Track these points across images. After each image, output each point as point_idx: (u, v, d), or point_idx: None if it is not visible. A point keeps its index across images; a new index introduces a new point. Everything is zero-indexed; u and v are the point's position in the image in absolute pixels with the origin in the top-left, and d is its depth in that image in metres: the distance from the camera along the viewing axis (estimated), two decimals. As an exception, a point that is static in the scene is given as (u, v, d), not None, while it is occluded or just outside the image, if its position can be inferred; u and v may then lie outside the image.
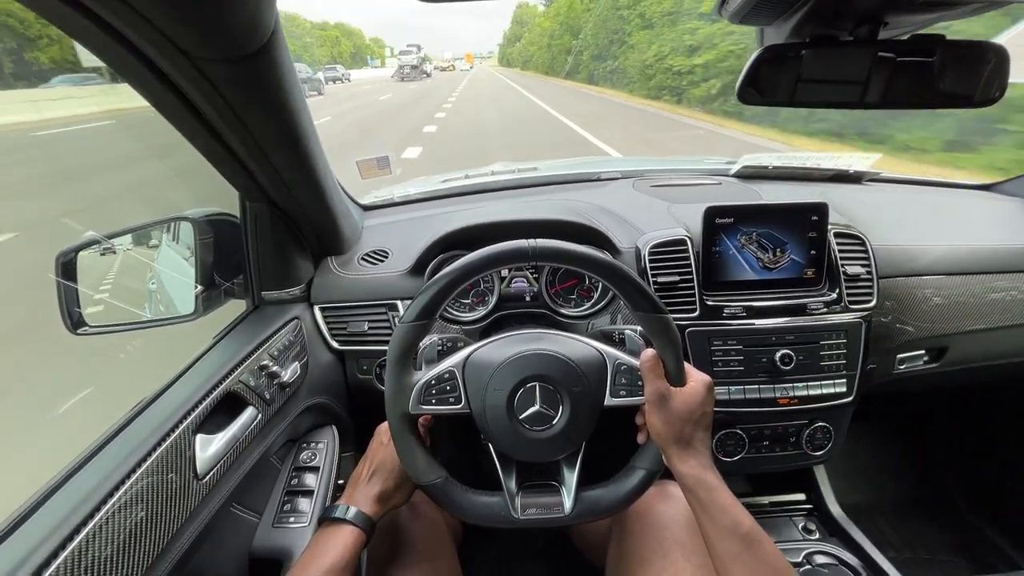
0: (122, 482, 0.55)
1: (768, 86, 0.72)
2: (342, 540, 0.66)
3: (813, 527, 1.17)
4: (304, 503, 0.86)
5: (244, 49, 0.55)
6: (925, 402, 1.57)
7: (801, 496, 1.26)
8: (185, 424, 0.65)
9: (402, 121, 12.26)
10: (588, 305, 1.08)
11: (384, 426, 0.79)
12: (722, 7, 0.72)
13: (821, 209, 0.99)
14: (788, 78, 0.70)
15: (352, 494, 0.73)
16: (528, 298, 1.08)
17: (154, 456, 0.59)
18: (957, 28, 0.69)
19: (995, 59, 0.68)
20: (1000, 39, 0.69)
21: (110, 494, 0.54)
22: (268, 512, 0.85)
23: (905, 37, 0.67)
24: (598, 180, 1.42)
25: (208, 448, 0.67)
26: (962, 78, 0.69)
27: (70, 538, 0.49)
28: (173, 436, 0.62)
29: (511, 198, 1.37)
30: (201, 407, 0.68)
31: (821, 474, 1.24)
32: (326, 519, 0.69)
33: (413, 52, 40.94)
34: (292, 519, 0.84)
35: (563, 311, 1.07)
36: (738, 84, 0.72)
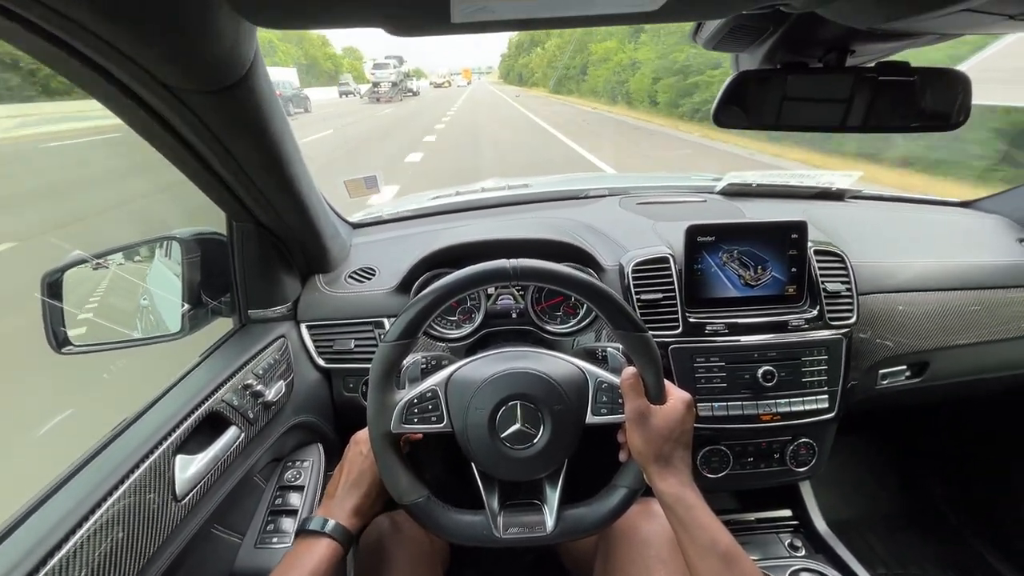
0: (101, 503, 0.55)
1: (753, 105, 0.72)
2: (318, 553, 0.65)
3: (799, 544, 1.17)
4: (288, 523, 0.85)
5: (225, 80, 0.56)
6: (910, 416, 1.58)
7: (787, 512, 1.26)
8: (166, 445, 0.65)
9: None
10: (574, 322, 1.08)
11: (360, 434, 0.79)
12: (696, 34, 0.74)
13: (800, 227, 1.01)
14: (774, 97, 0.71)
15: (329, 506, 0.73)
16: (514, 315, 1.09)
17: (133, 477, 0.59)
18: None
19: (962, 86, 0.70)
20: (963, 66, 0.71)
21: (88, 515, 0.54)
22: (251, 533, 0.84)
23: (871, 64, 0.70)
24: (586, 197, 1.44)
25: (188, 469, 0.67)
26: (939, 101, 0.71)
27: (47, 558, 0.49)
28: (153, 457, 0.63)
29: (500, 215, 1.39)
30: (183, 427, 0.68)
31: (807, 490, 1.24)
32: (303, 532, 0.69)
33: (390, 66, 29.69)
34: (275, 539, 0.83)
35: (549, 328, 1.08)
36: (715, 104, 0.72)
